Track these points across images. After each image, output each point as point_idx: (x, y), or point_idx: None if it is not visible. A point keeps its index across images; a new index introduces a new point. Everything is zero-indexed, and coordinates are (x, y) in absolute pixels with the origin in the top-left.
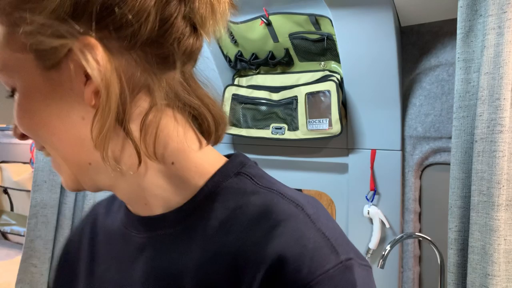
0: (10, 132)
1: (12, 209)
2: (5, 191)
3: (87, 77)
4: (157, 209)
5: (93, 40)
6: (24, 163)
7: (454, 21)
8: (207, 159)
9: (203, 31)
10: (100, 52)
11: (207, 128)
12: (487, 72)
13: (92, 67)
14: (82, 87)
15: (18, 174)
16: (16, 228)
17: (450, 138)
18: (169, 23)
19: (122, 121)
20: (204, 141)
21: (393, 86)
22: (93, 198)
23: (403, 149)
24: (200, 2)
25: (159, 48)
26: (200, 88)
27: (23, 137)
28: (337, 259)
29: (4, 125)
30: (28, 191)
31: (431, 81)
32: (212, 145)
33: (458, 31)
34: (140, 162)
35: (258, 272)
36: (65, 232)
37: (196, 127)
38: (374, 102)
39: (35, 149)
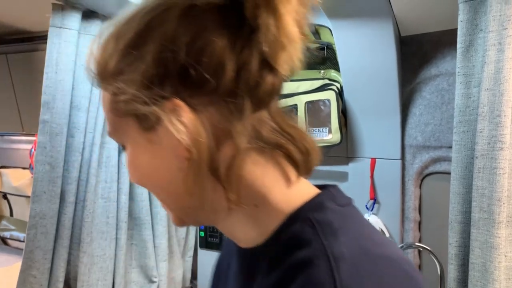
0: (10, 137)
1: (11, 214)
2: (5, 196)
3: (178, 137)
4: (241, 244)
5: (178, 102)
6: (24, 168)
7: (454, 32)
8: (290, 198)
9: (279, 68)
10: (186, 113)
11: (295, 163)
12: (487, 89)
13: (179, 131)
14: (174, 145)
15: (17, 180)
16: (16, 234)
17: (450, 147)
18: (245, 70)
19: (212, 169)
20: (292, 177)
21: (393, 95)
22: (92, 209)
23: (403, 158)
24: (270, 42)
25: (237, 96)
26: (287, 121)
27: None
28: None
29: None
30: (28, 196)
31: (431, 90)
32: (304, 177)
33: (458, 45)
34: (229, 206)
35: None
36: (64, 242)
37: (284, 163)
38: (374, 111)
39: (34, 155)
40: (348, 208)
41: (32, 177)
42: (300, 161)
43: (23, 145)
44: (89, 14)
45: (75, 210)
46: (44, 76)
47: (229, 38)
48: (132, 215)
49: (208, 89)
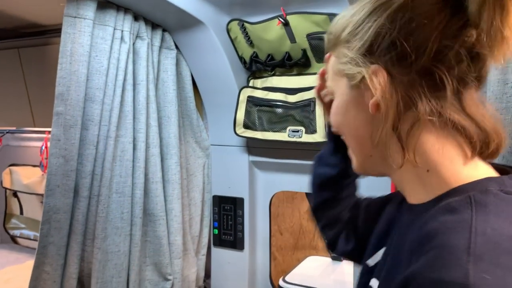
0: (20, 135)
1: (21, 212)
2: (15, 194)
3: (373, 95)
4: (408, 198)
5: (380, 68)
6: (34, 166)
7: None
8: (459, 175)
9: (494, 59)
10: (384, 77)
11: (473, 145)
12: None
13: (376, 89)
14: (369, 101)
15: (28, 177)
16: (26, 232)
17: None
18: (443, 55)
19: (395, 128)
20: (468, 157)
21: None
22: (107, 204)
23: None
24: (491, 34)
25: (431, 74)
26: (474, 105)
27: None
28: None
29: (14, 128)
30: (38, 194)
31: None
32: (485, 160)
33: None
34: (403, 163)
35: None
36: (78, 238)
37: (462, 142)
38: None
39: (49, 154)
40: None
41: (43, 174)
42: (480, 144)
43: (33, 142)
44: (104, 4)
45: (89, 205)
46: (58, 67)
47: (441, 22)
48: (146, 211)
49: (407, 62)
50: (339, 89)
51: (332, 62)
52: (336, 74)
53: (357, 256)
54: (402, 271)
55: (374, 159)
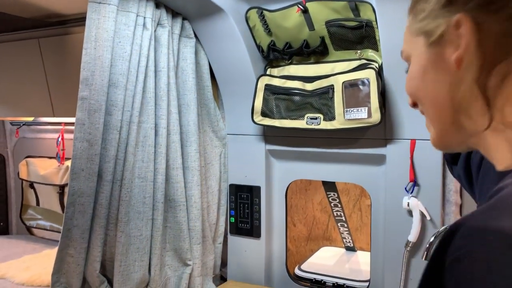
0: (36, 127)
1: (38, 203)
2: (31, 185)
3: (456, 49)
4: (496, 164)
5: (463, 17)
6: (50, 157)
7: None
8: None
9: None
10: (468, 27)
11: None
12: None
13: (459, 40)
14: (451, 57)
15: (44, 169)
16: (42, 223)
17: None
18: None
19: (481, 85)
20: None
21: None
22: (130, 188)
23: None
24: None
25: None
26: None
27: (414, 105)
28: None
29: (32, 119)
30: (54, 185)
31: None
32: None
33: None
34: (489, 125)
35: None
36: (101, 221)
37: None
38: None
39: (74, 138)
40: None
41: (59, 165)
42: None
43: (49, 134)
44: None
45: (112, 189)
46: (83, 52)
47: None
48: (167, 197)
49: (497, 6)
50: (415, 50)
51: (409, 23)
52: (413, 34)
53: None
54: None
55: (455, 128)
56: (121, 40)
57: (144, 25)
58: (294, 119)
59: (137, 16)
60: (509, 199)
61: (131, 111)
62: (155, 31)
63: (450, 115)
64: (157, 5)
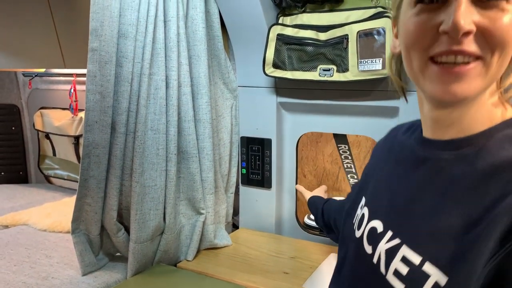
0: (49, 78)
1: (54, 154)
2: (47, 136)
3: None
4: (449, 135)
5: None
6: (64, 109)
7: None
8: None
9: None
10: None
11: None
12: None
13: None
14: None
15: (58, 120)
16: (59, 172)
17: None
18: None
19: None
20: None
21: None
22: (143, 140)
23: None
24: None
25: None
26: None
27: (463, 35)
28: None
29: (43, 70)
30: (70, 136)
31: None
32: None
33: None
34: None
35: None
36: (116, 172)
37: None
38: None
39: (86, 90)
40: None
41: (73, 117)
42: None
43: (62, 85)
44: None
45: (125, 141)
46: (91, 1)
47: None
48: (179, 149)
49: None
50: None
51: None
52: None
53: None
54: (464, 210)
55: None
56: None
57: None
58: (307, 70)
59: None
60: None
61: (142, 62)
62: None
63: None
64: None
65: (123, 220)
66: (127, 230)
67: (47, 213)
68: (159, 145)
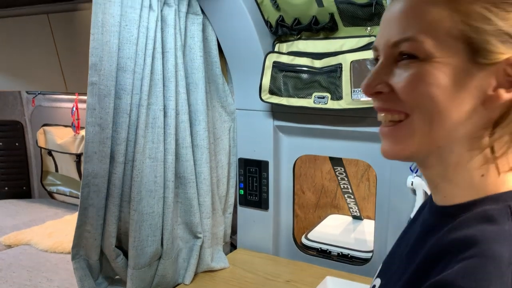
0: (52, 96)
1: (56, 170)
2: (50, 153)
3: (509, 87)
4: (438, 200)
5: None
6: (66, 126)
7: None
8: (504, 181)
9: None
10: None
11: None
12: None
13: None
14: (493, 87)
15: (61, 138)
16: (62, 188)
17: None
18: None
19: (503, 119)
20: None
21: None
22: (141, 169)
23: None
24: None
25: None
26: None
27: (373, 95)
28: None
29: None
30: (71, 153)
31: None
32: None
33: None
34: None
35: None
36: (115, 200)
37: None
38: None
39: (86, 122)
40: None
41: (74, 135)
42: None
43: (64, 103)
44: None
45: (124, 169)
46: (91, 37)
47: None
48: (177, 175)
49: None
50: (443, 53)
51: (447, 18)
52: (449, 36)
53: None
54: (417, 276)
55: (438, 151)
56: (128, 23)
57: (150, 6)
58: (302, 97)
59: None
60: (488, 260)
61: (140, 94)
62: (161, 11)
63: (447, 139)
64: None
65: (122, 244)
66: (126, 254)
67: (49, 232)
68: (156, 173)
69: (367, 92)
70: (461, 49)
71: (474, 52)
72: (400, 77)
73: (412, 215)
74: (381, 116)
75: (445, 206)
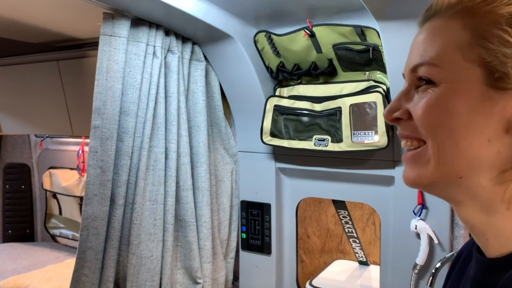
0: (58, 139)
1: (60, 213)
2: (54, 195)
3: None
4: (486, 250)
5: None
6: (71, 169)
7: None
8: None
9: None
10: None
11: None
12: None
13: None
14: (509, 115)
15: (66, 180)
16: (65, 231)
17: None
18: None
19: None
20: None
21: None
22: (140, 211)
23: None
24: None
25: None
26: None
27: (393, 121)
28: None
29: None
30: (75, 196)
31: None
32: None
33: None
34: (504, 204)
35: None
36: (114, 243)
37: None
38: None
39: (87, 165)
40: None
41: (79, 177)
42: None
43: (71, 146)
44: (137, 22)
45: (124, 212)
46: (96, 83)
47: None
48: (177, 217)
49: None
50: (459, 79)
51: (464, 40)
52: (465, 59)
53: None
54: None
55: (459, 183)
56: (132, 69)
57: (154, 53)
58: (303, 140)
59: (147, 45)
60: None
61: (142, 137)
62: (165, 57)
63: (467, 170)
64: (167, 33)
65: None
66: None
67: (49, 276)
68: (156, 216)
69: (387, 119)
70: (478, 73)
71: (493, 76)
72: (417, 104)
73: (417, 261)
74: (402, 142)
75: (491, 258)
